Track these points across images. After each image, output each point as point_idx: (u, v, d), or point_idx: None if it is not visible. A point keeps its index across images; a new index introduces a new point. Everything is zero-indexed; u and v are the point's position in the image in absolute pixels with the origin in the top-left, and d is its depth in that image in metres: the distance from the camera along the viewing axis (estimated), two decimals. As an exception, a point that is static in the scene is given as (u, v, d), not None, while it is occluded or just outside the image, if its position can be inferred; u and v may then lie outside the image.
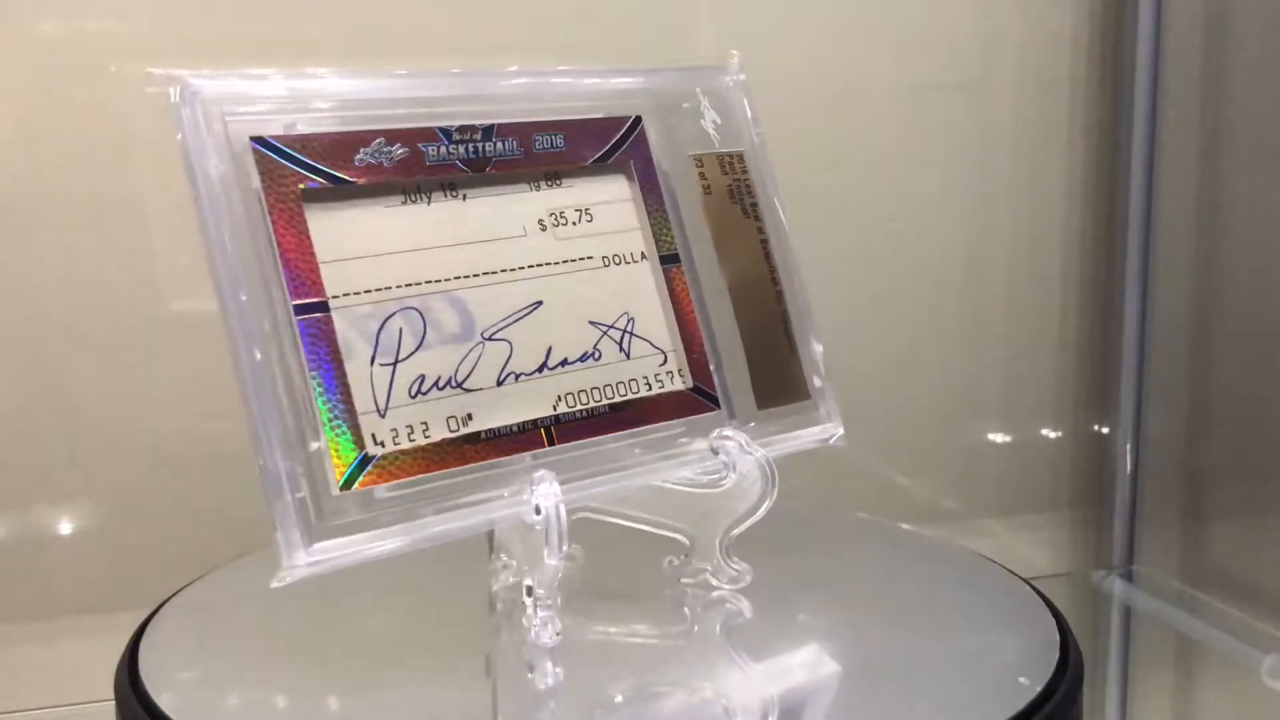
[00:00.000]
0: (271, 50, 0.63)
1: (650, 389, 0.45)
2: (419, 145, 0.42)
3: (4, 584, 0.63)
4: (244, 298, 0.38)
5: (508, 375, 0.42)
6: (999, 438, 0.79)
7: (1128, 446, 0.76)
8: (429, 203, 0.42)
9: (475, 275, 0.42)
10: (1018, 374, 0.78)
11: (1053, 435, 0.79)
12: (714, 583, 0.47)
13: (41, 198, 0.61)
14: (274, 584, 0.37)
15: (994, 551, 0.54)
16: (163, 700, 0.40)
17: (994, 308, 0.77)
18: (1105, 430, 0.78)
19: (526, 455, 0.42)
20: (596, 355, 0.44)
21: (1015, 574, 0.51)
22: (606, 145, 0.46)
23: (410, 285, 0.41)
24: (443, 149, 0.43)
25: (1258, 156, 0.68)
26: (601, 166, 0.46)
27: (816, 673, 0.43)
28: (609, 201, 0.46)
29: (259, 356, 0.38)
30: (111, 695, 0.42)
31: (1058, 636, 0.44)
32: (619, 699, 0.41)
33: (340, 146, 0.41)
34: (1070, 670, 0.42)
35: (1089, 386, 0.79)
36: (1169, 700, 0.70)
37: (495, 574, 0.47)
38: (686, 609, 0.47)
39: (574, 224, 0.45)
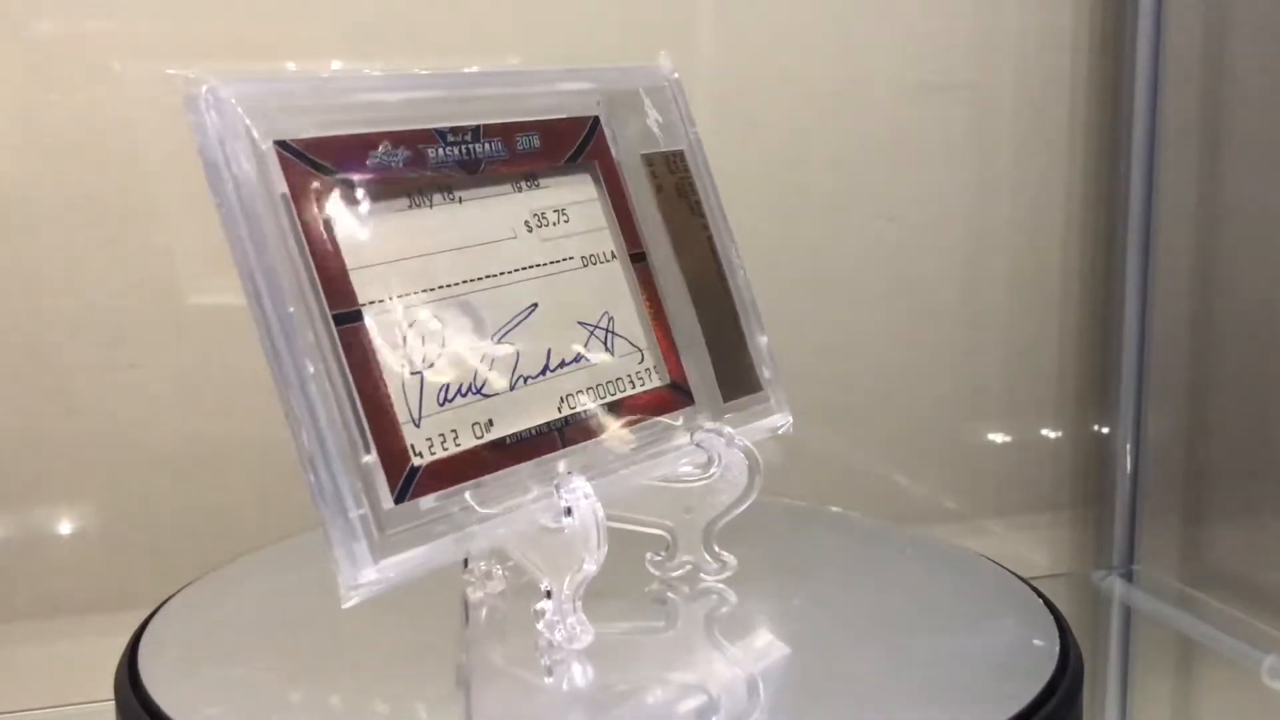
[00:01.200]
0: (267, 49, 0.63)
1: (634, 387, 0.46)
2: (420, 148, 0.42)
3: (4, 584, 0.63)
4: (291, 310, 0.37)
5: (518, 379, 0.42)
6: (999, 438, 0.79)
7: (1128, 446, 0.76)
8: (431, 206, 0.42)
9: (479, 279, 0.42)
10: (1018, 374, 0.78)
11: (1053, 435, 0.79)
12: (701, 575, 0.48)
13: (42, 197, 0.61)
14: (345, 605, 0.36)
15: (994, 551, 0.54)
16: (163, 700, 0.40)
17: (994, 308, 0.77)
18: (1105, 430, 0.78)
19: (547, 458, 0.42)
20: (587, 356, 0.45)
21: (1015, 574, 0.51)
22: (574, 146, 0.47)
23: (426, 291, 0.41)
24: (440, 151, 0.43)
25: (1258, 156, 0.69)
26: (571, 166, 0.46)
27: (814, 672, 0.43)
28: (580, 201, 0.46)
29: (312, 370, 0.37)
30: (111, 695, 0.42)
31: (1058, 636, 0.44)
32: (605, 700, 0.41)
33: (354, 149, 0.40)
34: (1070, 670, 0.42)
35: (1089, 386, 0.79)
36: (1169, 700, 0.70)
37: (478, 583, 0.47)
38: (678, 604, 0.47)
39: (553, 225, 0.45)
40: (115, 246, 0.62)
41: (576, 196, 0.46)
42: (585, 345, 0.45)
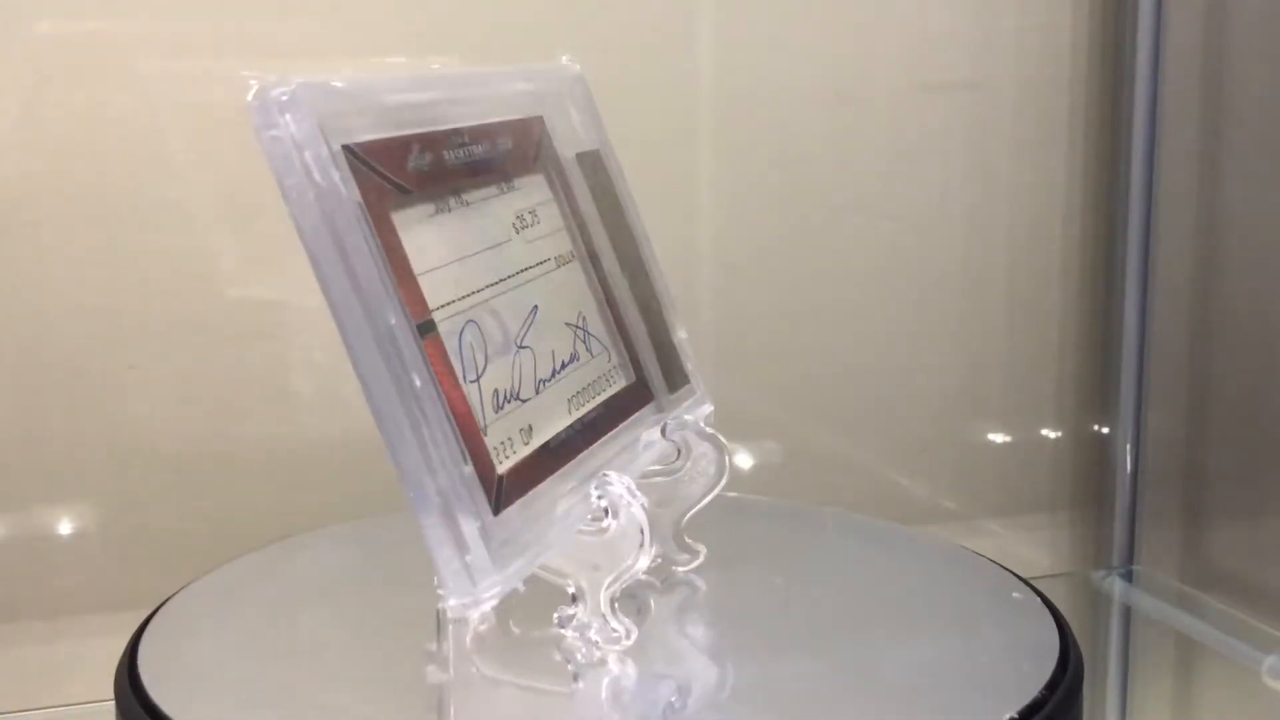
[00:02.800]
0: (267, 48, 0.63)
1: (610, 385, 0.46)
2: (439, 151, 0.41)
3: (4, 584, 0.63)
4: (393, 322, 0.35)
5: (539, 382, 0.42)
6: (999, 438, 0.79)
7: (1128, 446, 0.76)
8: (450, 210, 0.41)
9: (496, 283, 0.42)
10: (1018, 374, 0.78)
11: (1053, 435, 0.79)
12: (673, 568, 0.48)
13: (42, 197, 0.61)
14: (481, 626, 0.35)
15: (994, 551, 0.54)
16: (163, 700, 0.40)
17: (994, 308, 0.77)
18: (1105, 430, 0.78)
19: (579, 460, 0.42)
20: (577, 356, 0.44)
21: (1015, 574, 0.51)
22: (534, 146, 0.46)
23: (465, 297, 0.40)
24: (452, 154, 0.42)
25: (1258, 156, 0.68)
26: (533, 167, 0.46)
27: (811, 672, 0.43)
28: (543, 203, 0.46)
29: (419, 383, 0.36)
30: (111, 695, 0.42)
31: (1058, 636, 0.44)
32: (601, 700, 0.41)
33: (397, 153, 0.39)
34: (1070, 670, 0.42)
35: (1089, 386, 0.79)
36: (1169, 700, 0.70)
37: None
38: (658, 603, 0.47)
39: (532, 226, 0.45)
40: (116, 246, 0.62)
41: (539, 198, 0.46)
42: (573, 345, 0.45)
